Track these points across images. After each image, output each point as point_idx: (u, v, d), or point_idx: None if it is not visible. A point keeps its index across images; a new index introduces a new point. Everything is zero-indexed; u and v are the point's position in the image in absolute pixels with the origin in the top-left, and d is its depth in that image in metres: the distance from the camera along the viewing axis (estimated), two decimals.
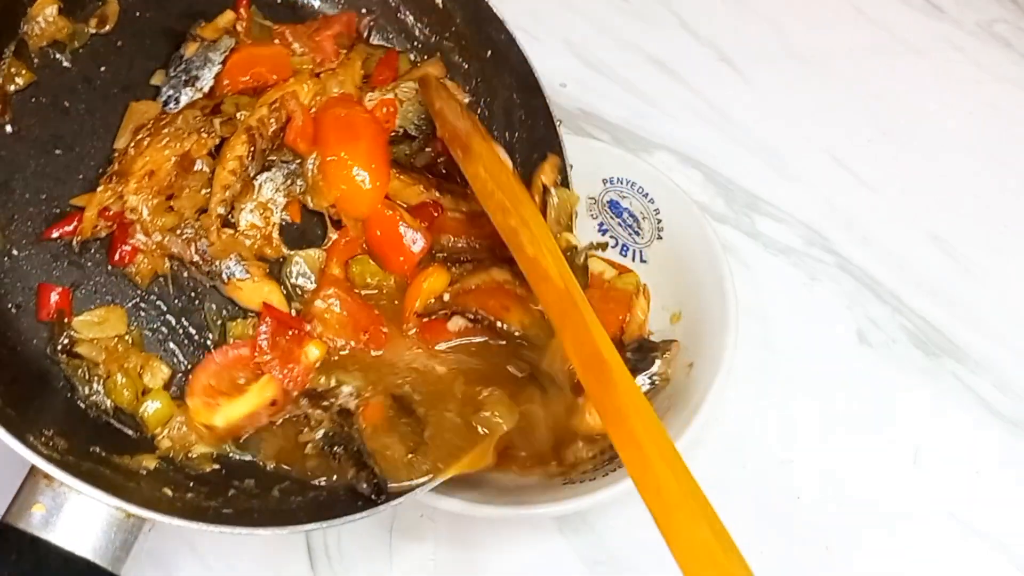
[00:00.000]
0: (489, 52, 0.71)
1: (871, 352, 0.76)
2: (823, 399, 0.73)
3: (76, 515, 0.51)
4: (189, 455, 0.58)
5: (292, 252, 0.63)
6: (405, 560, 0.66)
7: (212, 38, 0.66)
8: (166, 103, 0.63)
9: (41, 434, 0.52)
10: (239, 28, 0.67)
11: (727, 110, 0.91)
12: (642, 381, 0.68)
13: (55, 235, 0.58)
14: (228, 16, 0.67)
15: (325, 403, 0.59)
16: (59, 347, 0.57)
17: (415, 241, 0.65)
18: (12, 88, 0.60)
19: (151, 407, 0.58)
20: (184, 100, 0.63)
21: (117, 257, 0.59)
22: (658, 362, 0.68)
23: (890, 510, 0.69)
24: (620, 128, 0.89)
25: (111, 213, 0.59)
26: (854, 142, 0.89)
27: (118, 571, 0.52)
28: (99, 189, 0.59)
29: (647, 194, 0.75)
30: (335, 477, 0.58)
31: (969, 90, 0.93)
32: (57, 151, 0.60)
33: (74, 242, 0.59)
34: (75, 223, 0.59)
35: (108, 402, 0.58)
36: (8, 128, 0.59)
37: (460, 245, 0.67)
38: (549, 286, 0.56)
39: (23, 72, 0.60)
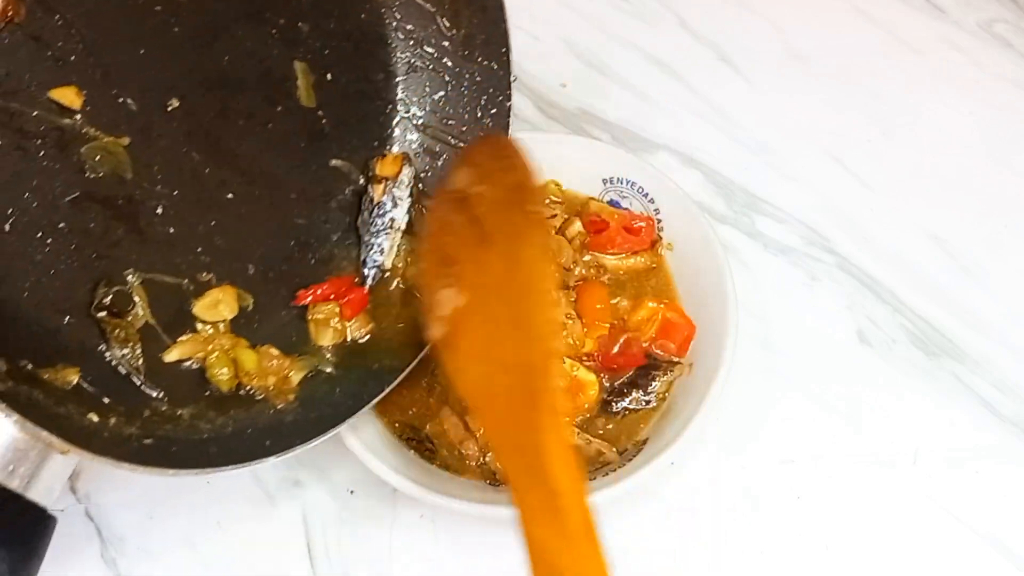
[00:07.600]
0: None
1: (871, 352, 0.76)
2: (823, 399, 0.73)
3: None
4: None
5: None
6: (405, 560, 0.66)
7: (391, 175, 0.66)
8: (375, 258, 0.66)
9: None
10: (413, 156, 0.68)
11: (727, 110, 0.91)
12: (637, 396, 0.68)
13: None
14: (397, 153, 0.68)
15: None
16: None
17: None
18: None
19: None
20: (387, 246, 0.66)
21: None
22: (656, 384, 0.68)
23: (890, 510, 0.68)
24: (620, 128, 0.89)
25: None
26: (854, 142, 0.89)
27: (29, 494, 0.50)
28: None
29: (647, 194, 0.75)
30: None
31: (969, 90, 0.93)
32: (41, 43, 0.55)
33: None
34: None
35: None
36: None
37: None
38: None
39: None
